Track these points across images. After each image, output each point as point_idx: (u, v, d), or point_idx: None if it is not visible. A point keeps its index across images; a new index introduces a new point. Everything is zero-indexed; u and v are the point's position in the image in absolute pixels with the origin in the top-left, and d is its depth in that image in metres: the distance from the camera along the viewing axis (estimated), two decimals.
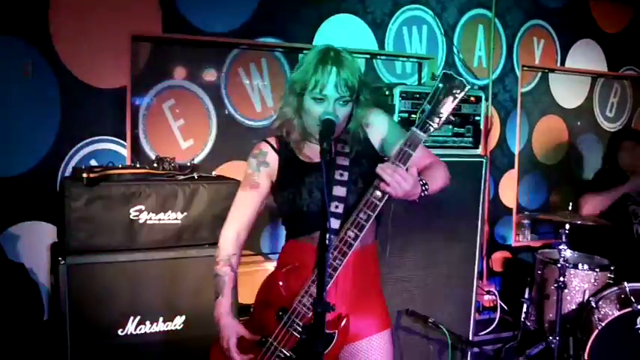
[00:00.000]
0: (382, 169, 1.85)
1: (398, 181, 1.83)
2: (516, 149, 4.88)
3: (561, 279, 3.58)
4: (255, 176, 2.13)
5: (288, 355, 2.03)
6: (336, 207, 2.02)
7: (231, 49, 3.81)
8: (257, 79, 3.90)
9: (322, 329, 1.72)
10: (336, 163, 2.07)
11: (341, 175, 2.05)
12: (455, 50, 4.50)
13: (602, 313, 3.48)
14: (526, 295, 4.03)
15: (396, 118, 3.23)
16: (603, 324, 3.31)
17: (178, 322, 2.94)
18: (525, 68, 4.86)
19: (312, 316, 1.91)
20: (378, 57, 4.26)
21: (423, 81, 4.37)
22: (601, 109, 5.37)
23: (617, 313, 3.33)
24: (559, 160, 5.24)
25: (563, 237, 3.62)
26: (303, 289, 2.00)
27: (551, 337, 3.66)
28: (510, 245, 4.88)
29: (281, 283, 2.07)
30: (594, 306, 3.53)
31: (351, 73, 2.01)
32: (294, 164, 2.12)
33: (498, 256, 4.88)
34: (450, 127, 3.34)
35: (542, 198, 5.18)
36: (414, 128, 1.88)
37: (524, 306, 4.03)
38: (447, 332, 3.17)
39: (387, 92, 3.29)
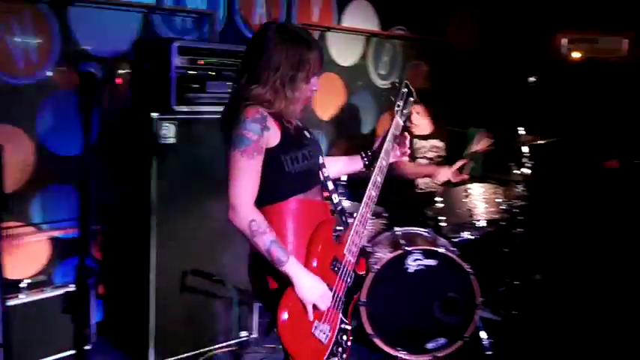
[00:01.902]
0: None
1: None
2: None
3: (339, 228, 3.77)
4: (261, 142, 2.15)
5: (344, 300, 2.30)
6: (324, 173, 2.41)
7: None
8: (19, 34, 3.52)
9: (88, 296, 1.65)
10: (308, 137, 2.36)
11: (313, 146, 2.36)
12: (236, 7, 4.47)
13: (376, 256, 3.71)
14: None
15: (172, 74, 3.14)
16: (378, 267, 3.52)
17: None
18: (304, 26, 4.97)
19: (354, 262, 2.35)
20: (157, 11, 4.06)
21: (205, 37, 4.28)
22: (374, 67, 5.68)
23: (389, 256, 3.56)
24: (336, 116, 5.39)
25: (339, 188, 3.81)
26: (348, 240, 2.33)
27: None
28: None
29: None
30: (370, 251, 3.76)
31: None
32: (289, 129, 2.25)
33: None
34: (228, 83, 3.31)
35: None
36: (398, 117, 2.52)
37: None
38: (231, 288, 3.21)
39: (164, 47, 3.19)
